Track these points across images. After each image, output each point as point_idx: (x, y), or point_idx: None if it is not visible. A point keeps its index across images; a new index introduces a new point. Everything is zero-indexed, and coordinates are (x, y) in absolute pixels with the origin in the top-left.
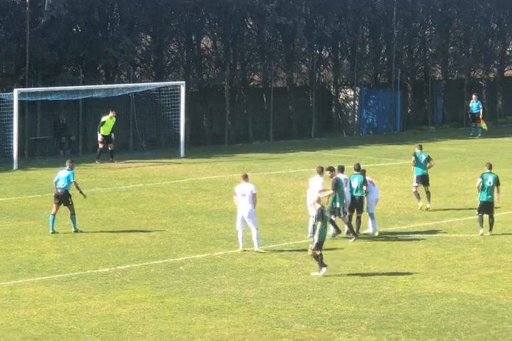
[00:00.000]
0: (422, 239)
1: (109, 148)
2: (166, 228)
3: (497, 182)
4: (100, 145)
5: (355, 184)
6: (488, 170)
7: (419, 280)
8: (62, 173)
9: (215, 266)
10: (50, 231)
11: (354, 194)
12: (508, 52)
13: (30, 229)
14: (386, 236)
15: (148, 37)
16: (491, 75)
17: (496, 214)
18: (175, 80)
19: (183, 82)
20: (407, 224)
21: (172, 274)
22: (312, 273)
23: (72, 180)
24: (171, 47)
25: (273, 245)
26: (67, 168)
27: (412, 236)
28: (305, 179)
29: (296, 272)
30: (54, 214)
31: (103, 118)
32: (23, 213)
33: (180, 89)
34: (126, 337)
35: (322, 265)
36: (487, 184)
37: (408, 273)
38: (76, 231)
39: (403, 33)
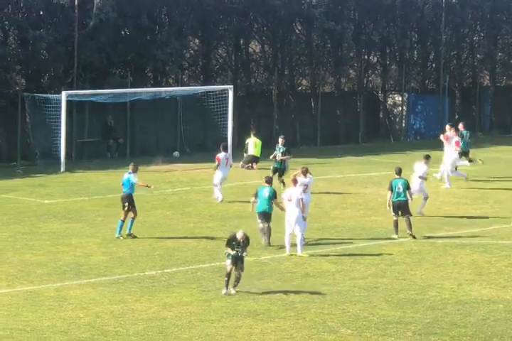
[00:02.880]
0: (469, 245)
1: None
2: (213, 232)
3: (407, 186)
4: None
5: (399, 188)
6: (397, 176)
7: (465, 286)
8: (125, 176)
9: (262, 270)
10: (116, 235)
11: (398, 198)
12: None
13: (77, 231)
14: (433, 242)
15: (197, 40)
16: None
17: None
18: (223, 84)
19: (231, 86)
20: (453, 230)
21: (219, 278)
22: None
23: (132, 182)
24: (219, 51)
25: (320, 250)
26: (130, 170)
27: (458, 242)
28: (352, 184)
29: (342, 277)
30: (123, 220)
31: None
32: (70, 215)
33: (228, 93)
34: (172, 340)
35: None
36: (397, 190)
37: (455, 279)
38: (129, 234)
39: (451, 38)
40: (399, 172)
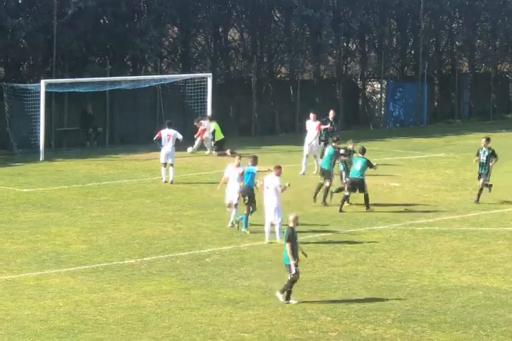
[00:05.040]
0: (448, 233)
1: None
2: (192, 220)
3: (366, 165)
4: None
5: (357, 166)
6: (360, 155)
7: (445, 273)
8: (244, 169)
9: (241, 258)
10: (243, 230)
11: (354, 175)
12: None
13: (56, 220)
14: (412, 229)
15: (176, 28)
16: None
17: None
18: (202, 72)
19: (210, 74)
20: (433, 217)
21: (198, 266)
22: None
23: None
24: (198, 39)
25: (299, 238)
26: (249, 163)
27: (438, 229)
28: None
29: (321, 264)
30: (247, 215)
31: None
32: (50, 204)
33: (207, 81)
34: (151, 329)
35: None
36: (355, 167)
37: (434, 266)
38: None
39: (430, 26)
40: (363, 151)
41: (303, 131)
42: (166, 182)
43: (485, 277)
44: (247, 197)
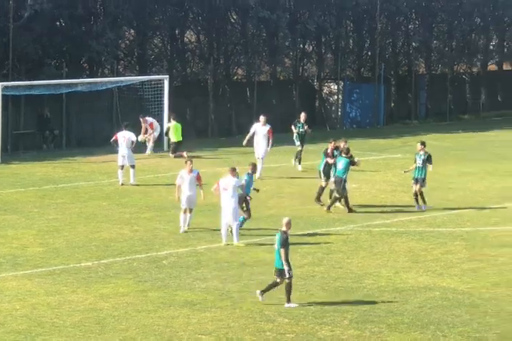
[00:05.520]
0: (405, 233)
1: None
2: (149, 222)
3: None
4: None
5: (340, 165)
6: (344, 155)
7: (402, 274)
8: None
9: (198, 260)
10: None
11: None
12: (491, 47)
13: (12, 223)
14: (369, 230)
15: (132, 31)
16: (475, 69)
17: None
18: (158, 74)
19: (167, 76)
20: (390, 218)
21: (155, 268)
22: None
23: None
24: (155, 41)
25: (256, 239)
26: (249, 171)
27: (395, 230)
28: (288, 173)
29: None
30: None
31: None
32: (6, 207)
33: (163, 83)
34: (108, 331)
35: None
36: (338, 166)
37: (391, 267)
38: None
39: (387, 27)
40: (346, 151)
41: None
42: (122, 184)
43: (442, 278)
44: (244, 205)
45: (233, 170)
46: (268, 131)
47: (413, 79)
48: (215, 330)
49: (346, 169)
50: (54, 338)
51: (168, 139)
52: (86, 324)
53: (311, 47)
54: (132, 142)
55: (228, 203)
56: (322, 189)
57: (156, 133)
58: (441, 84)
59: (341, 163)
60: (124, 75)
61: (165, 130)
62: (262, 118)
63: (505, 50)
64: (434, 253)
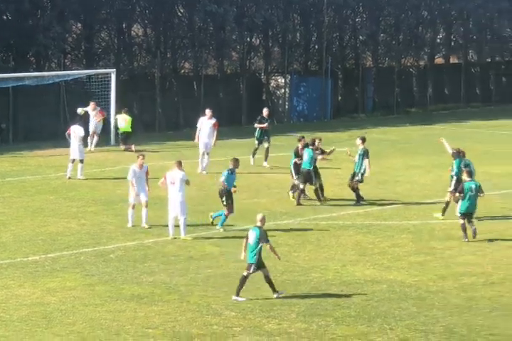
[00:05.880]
0: (352, 227)
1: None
2: (96, 216)
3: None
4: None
5: (305, 157)
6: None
7: (349, 267)
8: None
9: (146, 254)
10: (218, 227)
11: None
12: (438, 40)
13: None
14: (316, 224)
15: (79, 24)
16: (422, 63)
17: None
18: (105, 68)
19: (114, 70)
20: (337, 211)
21: (102, 262)
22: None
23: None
24: (102, 35)
25: (203, 233)
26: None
27: (342, 223)
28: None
29: (226, 259)
30: (226, 215)
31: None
32: None
33: (110, 77)
34: (55, 325)
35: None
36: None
37: (338, 261)
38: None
39: (334, 20)
40: (311, 143)
41: None
42: (70, 178)
43: (389, 271)
44: (224, 199)
45: (179, 164)
46: (214, 124)
47: (360, 72)
48: (162, 324)
49: (311, 160)
50: (0, 332)
51: (117, 131)
52: (33, 318)
53: (258, 40)
54: (80, 137)
55: (175, 197)
56: (301, 189)
57: (99, 130)
58: (389, 77)
59: (306, 154)
60: (71, 69)
61: (114, 121)
62: (207, 111)
63: (452, 44)
64: (381, 246)
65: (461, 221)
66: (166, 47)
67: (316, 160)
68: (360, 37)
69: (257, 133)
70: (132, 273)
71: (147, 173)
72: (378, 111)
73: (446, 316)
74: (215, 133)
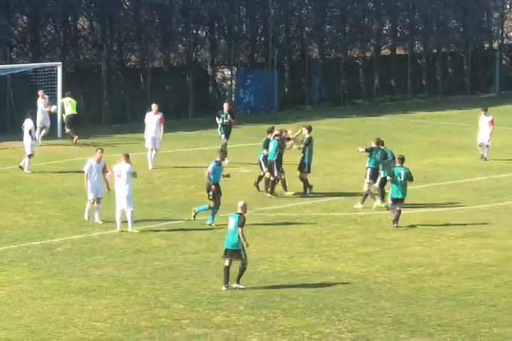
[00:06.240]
0: (300, 218)
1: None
2: (43, 209)
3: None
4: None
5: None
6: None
7: (297, 259)
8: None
9: (93, 247)
10: (208, 223)
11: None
12: (384, 31)
13: None
14: (264, 216)
15: (25, 18)
16: (368, 54)
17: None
18: (52, 61)
19: (60, 63)
20: (284, 203)
21: (49, 255)
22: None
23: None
24: (48, 28)
25: (151, 225)
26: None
27: (289, 215)
28: (182, 159)
29: (173, 252)
30: (214, 208)
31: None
32: None
33: (57, 70)
34: (3, 319)
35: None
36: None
37: (286, 252)
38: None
39: (280, 12)
40: (378, 142)
41: None
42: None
43: (336, 262)
44: (210, 193)
45: (127, 157)
46: (160, 119)
47: (306, 64)
48: (110, 317)
49: (275, 151)
50: None
51: (63, 117)
52: None
53: (204, 32)
54: (28, 131)
55: (122, 189)
56: (271, 181)
57: (49, 122)
58: (335, 68)
59: (271, 145)
60: (16, 62)
61: (59, 106)
62: (153, 106)
63: (398, 35)
64: (328, 237)
65: (393, 205)
66: (112, 40)
67: (282, 151)
68: (306, 28)
69: (220, 129)
70: (80, 267)
71: (105, 168)
72: (325, 102)
73: (394, 307)
74: (162, 128)
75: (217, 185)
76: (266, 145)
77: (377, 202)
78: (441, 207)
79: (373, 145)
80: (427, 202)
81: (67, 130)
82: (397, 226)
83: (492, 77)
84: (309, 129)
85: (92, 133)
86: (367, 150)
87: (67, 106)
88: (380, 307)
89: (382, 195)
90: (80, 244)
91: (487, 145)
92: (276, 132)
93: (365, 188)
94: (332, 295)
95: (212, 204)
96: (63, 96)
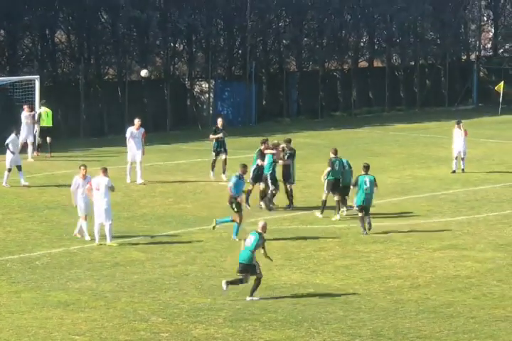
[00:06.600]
0: (278, 231)
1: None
2: (21, 223)
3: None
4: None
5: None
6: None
7: (275, 271)
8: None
9: (72, 260)
10: (234, 237)
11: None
12: (361, 44)
13: None
14: (242, 228)
15: (2, 31)
16: (345, 66)
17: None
18: (29, 74)
19: (38, 76)
20: (263, 215)
21: (28, 269)
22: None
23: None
24: (25, 42)
25: (129, 239)
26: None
27: (267, 227)
28: (160, 172)
29: (152, 265)
30: (238, 223)
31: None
32: None
33: (34, 84)
34: None
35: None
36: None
37: (264, 265)
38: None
39: (257, 25)
40: (335, 152)
41: None
42: (29, 186)
43: (315, 274)
44: (234, 205)
45: (105, 170)
46: (142, 134)
47: (284, 76)
48: (89, 330)
49: (270, 165)
50: None
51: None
52: None
53: (181, 46)
54: (7, 145)
55: (101, 203)
56: (263, 192)
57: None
58: (313, 81)
59: (266, 159)
60: None
61: (36, 117)
62: (136, 121)
63: (376, 47)
64: (307, 250)
65: (360, 214)
66: (89, 53)
67: (275, 165)
68: (284, 41)
69: (213, 145)
70: (58, 280)
71: (90, 185)
72: (303, 115)
73: (373, 319)
74: (143, 142)
75: (236, 198)
76: (261, 157)
77: (337, 216)
78: (420, 219)
79: (332, 155)
80: (406, 214)
81: (39, 139)
82: (366, 234)
83: (470, 89)
84: (287, 141)
85: (70, 146)
86: (330, 166)
87: (44, 116)
88: (359, 319)
89: (339, 207)
90: (58, 257)
91: (462, 158)
92: (266, 146)
93: (323, 198)
94: (311, 308)
95: (234, 217)
96: (40, 105)
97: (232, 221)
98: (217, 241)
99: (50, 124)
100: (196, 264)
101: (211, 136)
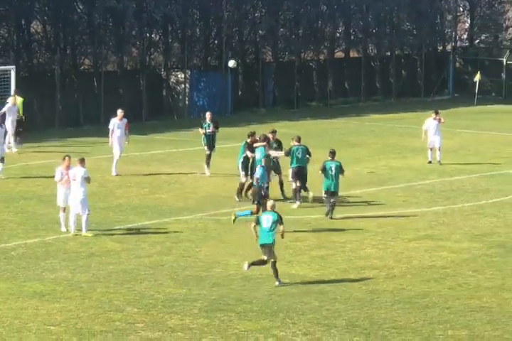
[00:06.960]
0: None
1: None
2: None
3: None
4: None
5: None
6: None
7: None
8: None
9: (47, 251)
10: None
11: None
12: (337, 34)
13: None
14: (217, 219)
15: None
16: (321, 57)
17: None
18: (5, 65)
19: (13, 67)
20: (237, 206)
21: (3, 259)
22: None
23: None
24: (1, 32)
25: (104, 229)
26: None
27: (243, 218)
28: (135, 163)
29: (127, 255)
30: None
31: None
32: None
33: (10, 74)
34: None
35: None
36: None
37: (240, 256)
38: None
39: (233, 15)
40: (298, 139)
41: (107, 123)
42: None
43: (291, 265)
44: (256, 197)
45: (82, 161)
46: (126, 124)
47: (260, 67)
48: (65, 321)
49: (260, 158)
50: None
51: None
52: None
53: (157, 36)
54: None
55: (77, 193)
56: (242, 185)
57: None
58: (289, 71)
59: (258, 152)
60: None
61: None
62: (119, 112)
63: (352, 38)
64: (282, 240)
65: (325, 195)
66: (65, 43)
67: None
68: (260, 32)
69: (203, 140)
70: (34, 271)
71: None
72: (279, 105)
73: (348, 310)
74: (127, 133)
75: (260, 189)
76: (249, 149)
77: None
78: (395, 210)
79: (294, 143)
80: (381, 204)
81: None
82: (331, 218)
83: (445, 79)
84: (274, 133)
85: (45, 137)
86: (287, 154)
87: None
88: (334, 310)
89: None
90: (34, 248)
91: (439, 148)
92: (253, 139)
93: (293, 187)
94: (286, 298)
95: (254, 210)
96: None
97: (252, 214)
98: (192, 231)
99: (21, 114)
100: (172, 255)
101: (200, 131)
